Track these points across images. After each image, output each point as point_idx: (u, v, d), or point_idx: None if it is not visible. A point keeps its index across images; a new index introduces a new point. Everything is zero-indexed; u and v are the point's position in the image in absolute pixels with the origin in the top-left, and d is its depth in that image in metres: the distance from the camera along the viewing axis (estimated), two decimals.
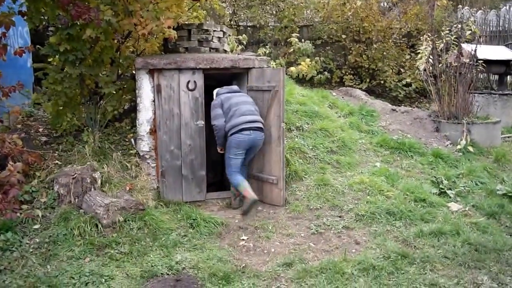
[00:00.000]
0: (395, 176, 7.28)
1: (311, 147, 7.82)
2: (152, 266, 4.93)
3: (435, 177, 7.18)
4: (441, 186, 6.94)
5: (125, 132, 7.54)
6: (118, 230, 5.44)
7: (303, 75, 11.73)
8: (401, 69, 12.41)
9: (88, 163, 6.39)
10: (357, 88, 11.98)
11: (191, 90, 7.07)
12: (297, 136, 8.02)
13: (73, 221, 5.45)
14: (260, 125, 6.57)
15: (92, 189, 5.97)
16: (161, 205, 6.58)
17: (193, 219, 6.01)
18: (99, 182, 6.09)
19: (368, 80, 12.43)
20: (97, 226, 5.46)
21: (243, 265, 5.09)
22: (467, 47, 9.69)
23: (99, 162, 6.73)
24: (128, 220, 5.61)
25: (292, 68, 11.63)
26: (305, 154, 7.66)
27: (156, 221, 5.73)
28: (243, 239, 5.78)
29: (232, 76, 7.96)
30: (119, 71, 7.74)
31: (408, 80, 12.04)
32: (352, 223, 6.10)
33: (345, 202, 6.64)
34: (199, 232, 5.81)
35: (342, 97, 10.96)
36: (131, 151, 7.14)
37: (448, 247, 5.32)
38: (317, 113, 8.75)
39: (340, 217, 6.31)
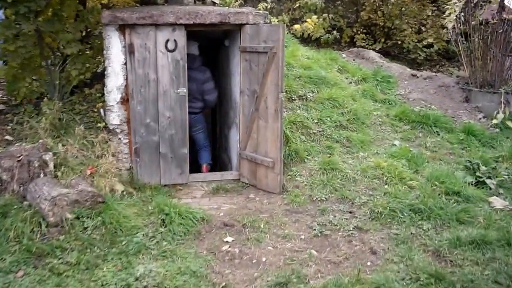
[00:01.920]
0: (418, 158, 6.02)
1: (316, 121, 6.54)
2: (102, 285, 3.76)
3: (469, 161, 5.87)
4: (477, 173, 5.64)
5: (95, 100, 6.26)
6: (67, 231, 4.28)
7: (308, 34, 10.29)
8: (422, 28, 10.90)
9: (40, 140, 5.14)
10: (370, 49, 10.53)
11: (171, 51, 5.74)
12: (299, 107, 6.72)
13: (10, 218, 4.26)
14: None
15: (42, 175, 4.77)
16: (130, 192, 5.41)
17: (166, 214, 4.80)
18: (51, 165, 4.88)
19: (382, 40, 10.97)
20: (40, 225, 4.27)
21: (223, 283, 3.90)
22: (509, 1, 8.19)
23: (57, 139, 5.51)
24: (82, 217, 4.44)
25: (297, 26, 10.18)
26: (308, 130, 6.38)
27: (117, 218, 4.55)
28: (227, 242, 4.61)
29: (224, 35, 6.60)
30: (87, 28, 6.40)
31: (430, 40, 10.56)
32: (366, 222, 4.89)
33: (357, 193, 5.41)
34: (172, 231, 4.64)
35: (353, 60, 9.56)
36: (100, 125, 5.89)
37: (498, 265, 4.06)
38: (324, 79, 7.41)
39: (350, 213, 5.10)
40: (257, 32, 5.64)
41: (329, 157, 6.01)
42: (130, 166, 5.98)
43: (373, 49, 10.59)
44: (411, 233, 4.68)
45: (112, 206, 4.64)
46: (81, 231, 4.32)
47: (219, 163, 7.70)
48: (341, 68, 8.42)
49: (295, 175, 5.83)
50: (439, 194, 5.25)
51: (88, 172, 5.18)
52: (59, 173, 4.94)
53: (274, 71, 5.44)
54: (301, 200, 5.41)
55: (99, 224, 4.43)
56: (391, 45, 10.89)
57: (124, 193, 5.36)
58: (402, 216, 4.91)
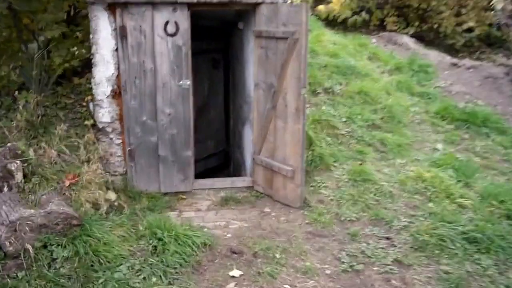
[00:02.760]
0: (468, 168, 4.98)
1: (344, 120, 5.52)
2: None
3: None
4: None
5: (84, 92, 5.33)
6: (29, 266, 3.37)
7: (334, 16, 9.22)
8: (462, 10, 9.69)
9: (8, 144, 4.23)
10: (402, 33, 9.40)
11: (171, 35, 4.76)
12: (324, 103, 5.70)
13: None
14: None
15: (6, 189, 3.86)
16: (120, 205, 4.48)
17: (159, 239, 3.87)
18: (18, 176, 3.99)
19: (416, 23, 9.84)
20: None
21: None
22: None
23: (34, 140, 4.60)
24: (50, 246, 3.53)
25: (321, 7, 9.15)
26: (335, 130, 5.38)
27: (96, 246, 3.64)
28: (233, 277, 3.68)
29: (238, 15, 5.60)
30: (75, 8, 5.44)
31: (470, 24, 9.37)
32: (408, 253, 3.91)
33: (395, 213, 4.42)
34: (165, 262, 3.70)
35: (385, 45, 8.50)
36: (87, 122, 4.97)
37: None
38: (354, 68, 6.37)
39: (387, 239, 4.12)
40: (275, 13, 4.62)
41: (360, 164, 5.01)
42: (124, 171, 5.08)
43: (406, 33, 9.47)
44: (467, 271, 3.67)
45: (91, 230, 3.72)
46: (47, 264, 3.42)
47: (233, 163, 6.77)
48: (371, 56, 7.36)
49: (319, 187, 4.85)
50: (498, 217, 4.22)
51: (67, 183, 4.28)
52: (28, 186, 4.04)
53: (295, 61, 4.43)
54: (326, 220, 4.44)
55: (72, 254, 3.51)
56: (426, 29, 9.74)
57: (116, 203, 4.47)
58: (453, 247, 3.90)
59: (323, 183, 4.84)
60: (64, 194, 4.21)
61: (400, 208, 4.51)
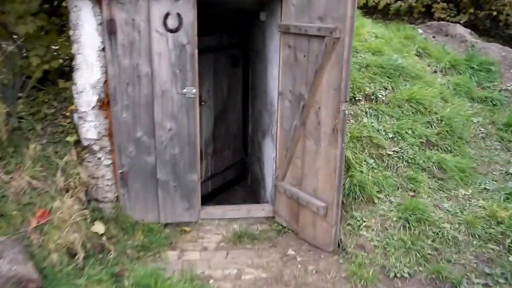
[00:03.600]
0: None
1: (391, 136, 4.39)
2: None
3: None
4: None
5: (70, 99, 4.33)
6: None
7: (374, 1, 7.98)
8: None
9: None
10: (452, 21, 8.09)
11: (173, 31, 3.72)
12: (366, 113, 4.58)
13: None
14: None
15: None
16: (106, 248, 3.49)
17: None
18: None
19: (470, 10, 8.44)
20: None
21: None
22: None
23: (0, 162, 3.65)
24: None
25: None
26: (380, 150, 4.26)
27: None
28: None
29: (259, 4, 4.51)
30: None
31: None
32: None
33: (463, 269, 3.32)
34: None
35: (433, 37, 7.22)
36: (69, 139, 4.00)
37: None
38: (402, 68, 5.20)
39: None
40: (308, 2, 3.50)
41: (413, 196, 3.89)
42: (116, 197, 4.11)
43: (457, 22, 8.14)
44: None
45: None
46: None
47: (251, 174, 5.76)
48: (420, 51, 6.14)
49: (359, 226, 3.77)
50: None
51: (33, 222, 3.31)
52: None
53: (334, 67, 3.31)
54: (368, 275, 3.37)
55: None
56: (482, 16, 8.36)
57: (101, 240, 3.50)
58: None
59: (364, 221, 3.75)
60: (28, 238, 3.25)
61: (469, 262, 3.40)
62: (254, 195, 5.38)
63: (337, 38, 3.20)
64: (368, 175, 4.01)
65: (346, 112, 3.35)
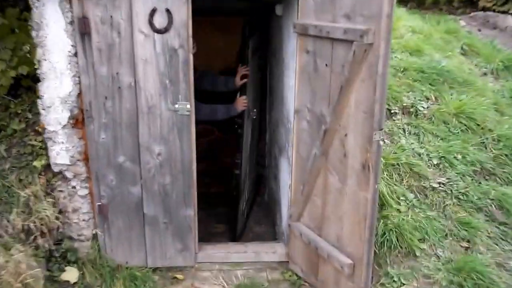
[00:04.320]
0: None
1: (436, 162, 3.52)
2: None
3: None
4: None
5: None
6: None
7: None
8: None
9: None
10: (501, 11, 7.08)
11: (161, 32, 2.93)
12: (404, 131, 3.72)
13: None
14: None
15: None
16: None
17: None
18: None
19: None
20: None
21: None
22: None
23: None
24: None
25: None
26: (422, 181, 3.40)
27: None
28: None
29: None
30: None
31: None
32: None
33: None
34: None
35: (479, 30, 6.27)
36: (37, 163, 3.27)
37: None
38: (447, 72, 4.31)
39: None
40: None
41: (467, 248, 3.03)
42: (94, 235, 3.37)
43: (505, 12, 7.13)
44: None
45: None
46: None
47: (268, 190, 5.00)
48: (466, 48, 5.20)
49: None
50: None
51: None
52: None
53: (365, 83, 2.46)
54: None
55: None
56: None
57: None
58: None
59: (402, 283, 2.91)
60: None
61: None
62: (270, 215, 4.64)
63: (369, 45, 2.35)
64: (407, 215, 3.16)
65: (382, 142, 2.51)
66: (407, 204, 3.23)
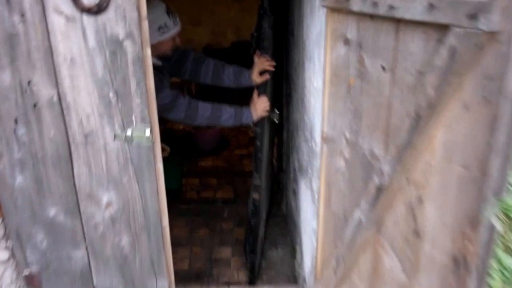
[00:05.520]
0: None
1: None
2: None
3: None
4: None
5: None
6: None
7: None
8: None
9: None
10: None
11: (93, 12, 1.70)
12: None
13: None
14: None
15: None
16: None
17: None
18: None
19: None
20: None
21: None
22: None
23: None
24: None
25: None
26: None
27: None
28: None
29: None
30: None
31: None
32: None
33: None
34: None
35: None
36: None
37: None
38: None
39: None
40: None
41: None
42: None
43: None
44: None
45: None
46: None
47: (287, 205, 3.93)
48: None
49: None
50: None
51: None
52: None
53: (474, 111, 1.21)
54: None
55: None
56: None
57: None
58: None
59: None
60: None
61: None
62: (288, 234, 3.62)
63: (489, 35, 1.08)
64: None
65: (498, 225, 1.28)
66: None
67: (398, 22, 1.36)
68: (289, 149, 3.66)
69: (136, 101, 1.83)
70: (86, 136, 1.88)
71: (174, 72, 2.87)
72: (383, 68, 1.47)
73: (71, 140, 1.88)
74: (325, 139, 1.87)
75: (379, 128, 1.54)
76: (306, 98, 2.50)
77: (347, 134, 1.71)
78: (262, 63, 2.73)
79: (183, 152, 4.99)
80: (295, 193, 3.33)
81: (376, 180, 1.54)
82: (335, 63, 1.71)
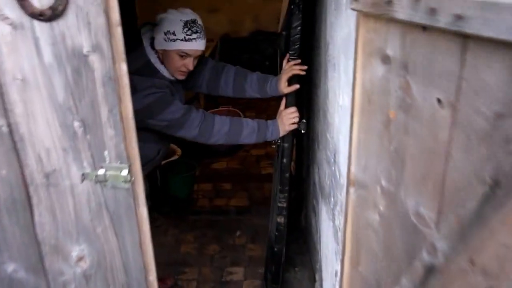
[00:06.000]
0: None
1: None
2: None
3: None
4: None
5: None
6: None
7: None
8: None
9: None
10: None
11: (45, 18, 1.27)
12: None
13: None
14: None
15: None
16: None
17: None
18: None
19: None
20: None
21: None
22: None
23: None
24: None
25: None
26: None
27: None
28: None
29: None
30: None
31: None
32: None
33: None
34: None
35: None
36: None
37: None
38: None
39: None
40: None
41: None
42: None
43: None
44: None
45: None
46: None
47: (305, 218, 3.56)
48: None
49: None
50: None
51: None
52: None
53: None
54: None
55: None
56: None
57: None
58: None
59: None
60: None
61: None
62: (307, 254, 3.28)
63: None
64: None
65: None
66: None
67: (466, 38, 0.90)
68: (309, 158, 3.25)
69: (109, 132, 1.41)
70: (47, 176, 1.47)
71: (189, 84, 2.49)
72: (440, 102, 1.01)
73: (28, 181, 1.48)
74: (351, 181, 1.42)
75: (429, 182, 1.09)
76: (329, 113, 2.06)
77: (383, 182, 1.27)
78: (292, 69, 2.30)
79: (195, 153, 4.63)
80: (315, 212, 2.92)
81: (425, 257, 1.09)
82: (369, 86, 1.26)
